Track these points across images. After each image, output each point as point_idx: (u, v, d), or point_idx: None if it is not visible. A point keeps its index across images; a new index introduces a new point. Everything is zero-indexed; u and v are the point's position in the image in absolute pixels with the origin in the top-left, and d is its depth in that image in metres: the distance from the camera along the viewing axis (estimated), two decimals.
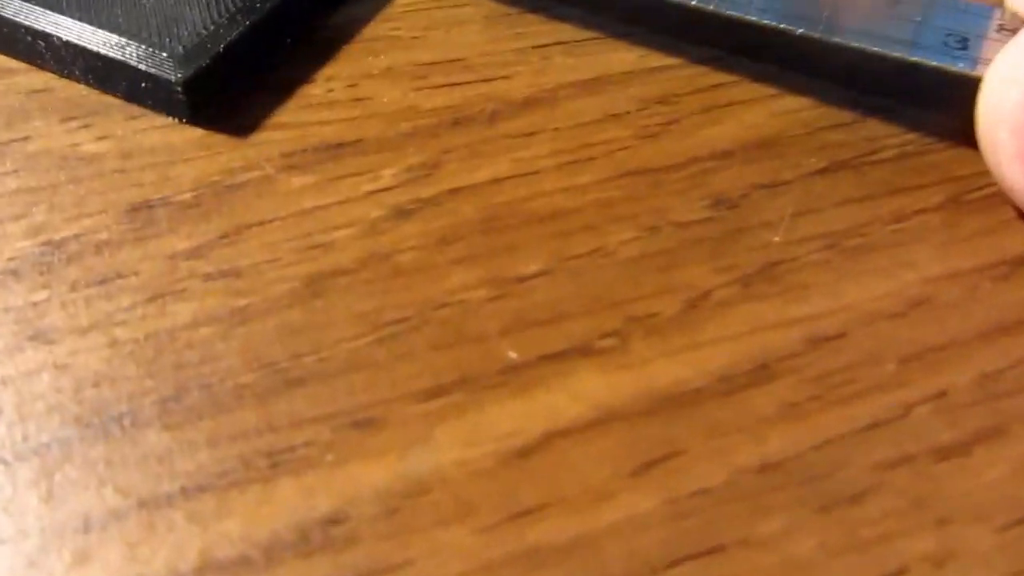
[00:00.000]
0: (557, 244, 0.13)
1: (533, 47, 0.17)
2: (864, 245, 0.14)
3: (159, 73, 0.14)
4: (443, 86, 0.16)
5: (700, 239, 0.14)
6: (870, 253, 0.14)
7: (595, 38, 0.17)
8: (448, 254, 0.13)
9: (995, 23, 0.15)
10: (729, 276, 0.13)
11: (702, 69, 0.16)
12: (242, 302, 0.12)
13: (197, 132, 0.15)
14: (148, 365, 0.11)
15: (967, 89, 0.14)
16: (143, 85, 0.15)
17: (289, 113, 0.15)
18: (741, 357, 0.12)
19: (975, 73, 0.14)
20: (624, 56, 0.17)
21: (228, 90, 0.15)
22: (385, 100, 0.15)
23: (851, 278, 0.13)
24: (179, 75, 0.14)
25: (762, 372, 0.12)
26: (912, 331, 0.13)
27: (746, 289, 0.13)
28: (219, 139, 0.14)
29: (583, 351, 0.12)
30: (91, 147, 0.14)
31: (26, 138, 0.14)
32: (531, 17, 0.17)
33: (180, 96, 0.14)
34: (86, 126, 0.14)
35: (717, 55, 0.17)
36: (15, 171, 0.14)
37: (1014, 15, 0.15)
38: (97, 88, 0.15)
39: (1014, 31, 0.14)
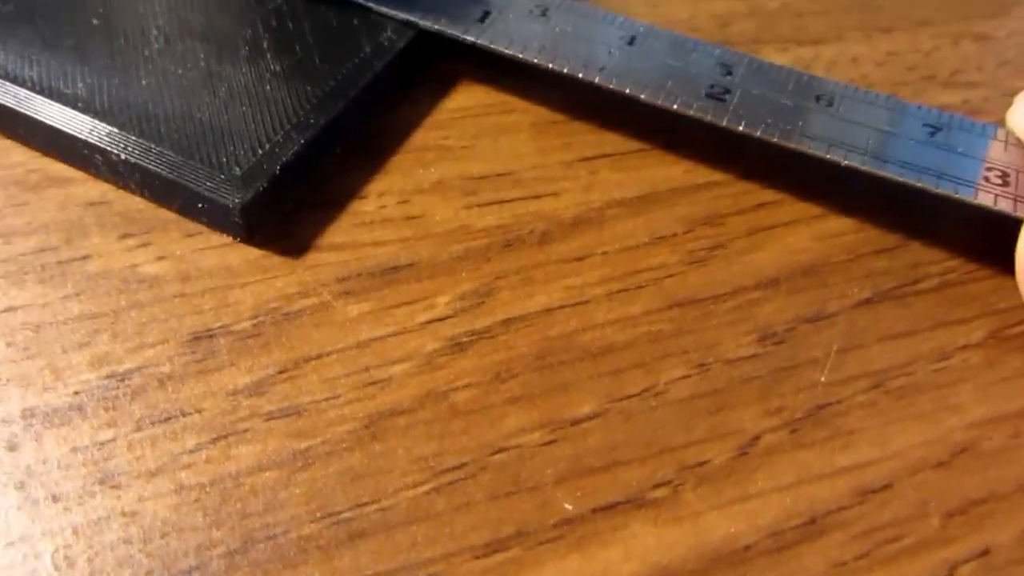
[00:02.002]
0: (609, 383, 0.14)
1: (580, 159, 0.17)
2: (908, 386, 0.14)
3: (216, 197, 0.14)
4: (493, 203, 0.16)
5: (749, 378, 0.14)
6: (915, 395, 0.14)
7: (641, 149, 0.17)
8: (503, 393, 0.13)
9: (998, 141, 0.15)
10: (778, 420, 0.13)
11: (747, 186, 0.17)
12: (303, 444, 0.13)
13: (254, 252, 0.15)
14: (214, 513, 0.12)
15: (1008, 223, 0.15)
16: (199, 205, 0.15)
17: (343, 232, 0.15)
18: (790, 511, 0.12)
19: (1016, 215, 0.15)
20: (670, 171, 0.17)
21: (283, 207, 0.15)
22: (437, 218, 0.16)
23: (896, 423, 0.14)
24: (236, 200, 0.14)
25: (811, 527, 0.12)
26: (956, 482, 0.13)
27: (794, 435, 0.13)
28: (275, 260, 0.15)
29: (636, 503, 0.12)
30: (150, 268, 0.14)
31: (86, 257, 0.14)
32: (577, 125, 0.18)
33: (237, 219, 0.15)
34: (144, 244, 0.15)
35: (760, 169, 0.17)
36: (77, 294, 0.14)
37: (1010, 131, 0.15)
38: (153, 202, 0.15)
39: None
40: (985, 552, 0.12)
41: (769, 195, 0.17)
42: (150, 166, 0.15)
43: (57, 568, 0.11)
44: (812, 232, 0.16)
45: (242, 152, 0.15)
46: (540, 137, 0.17)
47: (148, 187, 0.15)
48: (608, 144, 0.17)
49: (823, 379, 0.14)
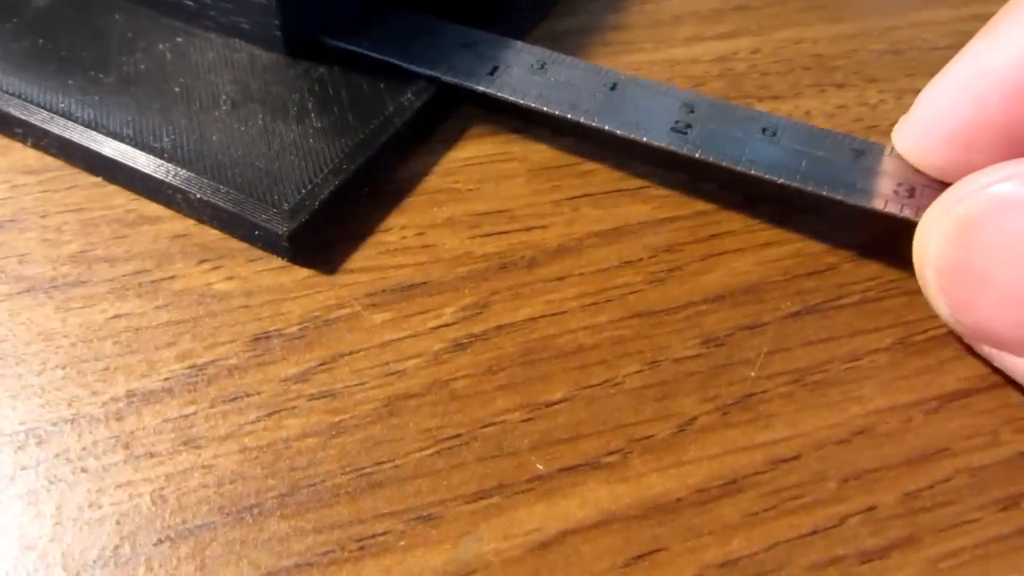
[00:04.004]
0: (577, 375, 0.17)
1: (566, 199, 0.21)
2: (822, 381, 0.17)
3: (269, 227, 0.18)
4: (492, 234, 0.20)
5: (691, 373, 0.17)
6: (827, 388, 0.17)
7: (617, 190, 0.21)
8: (493, 382, 0.17)
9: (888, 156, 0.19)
10: (712, 405, 0.17)
11: (702, 221, 0.20)
12: (337, 418, 0.16)
13: (302, 273, 0.19)
14: (269, 467, 0.16)
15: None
16: (256, 233, 0.19)
17: (371, 258, 0.19)
18: (715, 474, 0.16)
19: (917, 219, 0.18)
20: (640, 208, 0.21)
21: (322, 236, 0.19)
22: (446, 247, 0.19)
23: (809, 409, 0.17)
24: (285, 229, 0.18)
25: (731, 486, 0.16)
26: (853, 455, 0.16)
27: (724, 417, 0.17)
28: (319, 280, 0.19)
29: (593, 465, 0.16)
30: (221, 286, 0.18)
31: (172, 277, 0.19)
32: (566, 170, 0.21)
33: (286, 244, 0.18)
34: (216, 267, 0.19)
35: (716, 207, 0.20)
36: (165, 306, 0.18)
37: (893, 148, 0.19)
38: (222, 232, 0.19)
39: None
40: (871, 508, 0.15)
41: (722, 227, 0.20)
42: (219, 203, 0.19)
43: (154, 503, 0.15)
44: (756, 258, 0.20)
45: (290, 192, 0.19)
46: (533, 181, 0.21)
47: (217, 219, 0.19)
48: (590, 186, 0.21)
49: (752, 374, 0.17)
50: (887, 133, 0.23)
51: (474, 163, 0.21)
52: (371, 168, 0.20)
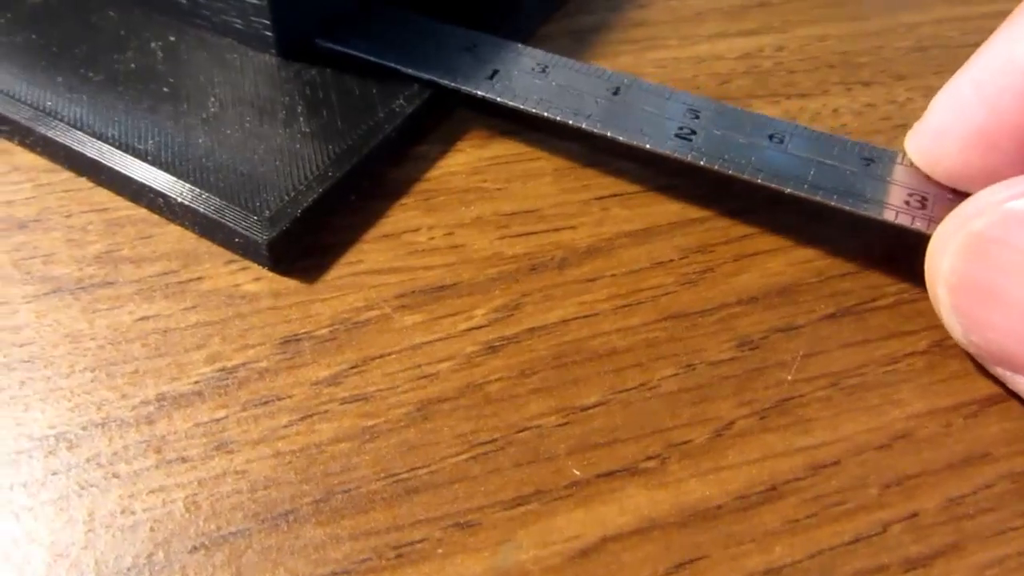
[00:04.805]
0: (612, 379, 0.17)
1: (595, 199, 0.20)
2: (860, 384, 0.17)
3: (249, 234, 0.18)
4: (522, 235, 0.20)
5: (727, 376, 0.17)
6: (864, 392, 0.17)
7: (645, 190, 0.21)
8: (527, 385, 0.17)
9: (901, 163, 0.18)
10: (749, 409, 0.17)
11: (733, 221, 0.20)
12: (370, 423, 0.16)
13: (331, 274, 0.18)
14: (303, 473, 0.15)
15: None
16: (236, 241, 0.18)
17: (400, 259, 0.19)
18: (755, 480, 0.16)
19: (929, 232, 0.17)
20: (669, 207, 0.20)
21: (350, 236, 0.19)
22: (476, 247, 0.19)
23: (847, 413, 0.17)
24: (264, 237, 0.18)
25: (771, 493, 0.15)
26: (893, 461, 0.16)
27: (762, 421, 0.16)
28: (347, 281, 0.18)
29: (631, 471, 0.16)
30: (249, 287, 0.18)
31: (200, 278, 0.18)
32: (592, 171, 0.21)
33: (265, 253, 0.18)
34: (244, 268, 0.18)
35: (746, 206, 0.20)
36: (194, 307, 0.18)
37: (906, 155, 0.18)
38: (203, 238, 0.19)
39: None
40: (914, 515, 0.15)
41: (752, 228, 0.20)
42: (199, 208, 0.18)
43: (188, 509, 0.15)
44: (788, 259, 0.19)
45: (272, 199, 0.18)
46: (561, 180, 0.21)
47: (198, 225, 0.19)
48: (618, 186, 0.21)
49: (789, 378, 0.17)
50: None
51: (502, 162, 0.21)
52: (358, 175, 0.20)
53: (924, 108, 0.23)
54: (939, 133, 0.18)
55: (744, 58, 0.25)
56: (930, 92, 0.24)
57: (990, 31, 0.17)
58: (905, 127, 0.23)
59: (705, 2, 0.27)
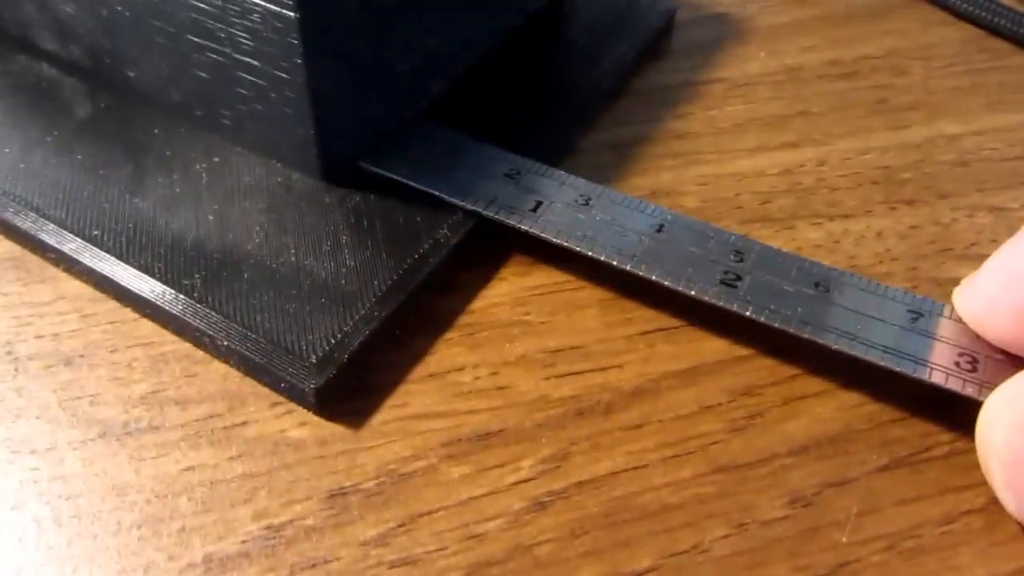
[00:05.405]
0: (663, 540, 0.17)
1: (639, 333, 0.20)
2: (917, 548, 0.17)
3: (295, 381, 0.18)
4: (567, 375, 0.19)
5: (780, 538, 0.17)
6: (922, 555, 0.17)
7: (689, 324, 0.21)
8: (577, 547, 0.16)
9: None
10: (805, 575, 0.16)
11: (778, 360, 0.20)
12: None
13: (376, 418, 0.18)
14: None
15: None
16: (283, 385, 0.18)
17: (445, 402, 0.19)
18: None
19: (980, 398, 0.17)
20: (715, 344, 0.20)
21: (360, 383, 0.18)
22: (521, 389, 0.19)
23: None
24: (312, 385, 0.18)
25: None
26: None
27: None
28: (394, 427, 0.18)
29: None
30: (295, 433, 0.18)
31: (245, 423, 0.18)
32: (635, 302, 0.21)
33: (312, 400, 0.18)
34: (289, 411, 0.18)
35: (791, 343, 0.20)
36: (239, 456, 0.18)
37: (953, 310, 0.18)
38: (249, 378, 0.19)
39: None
40: None
41: (800, 368, 0.20)
42: (246, 351, 0.18)
43: None
44: (837, 402, 0.19)
45: (318, 342, 0.18)
46: (606, 312, 0.21)
47: (244, 366, 0.19)
48: (662, 320, 0.21)
49: (844, 539, 0.17)
50: (962, 257, 0.22)
51: (545, 292, 0.21)
52: (403, 311, 0.20)
53: (968, 230, 0.23)
54: (990, 299, 0.17)
55: (785, 174, 0.25)
56: (974, 212, 0.24)
57: None
58: (950, 252, 0.23)
59: (744, 112, 0.27)
